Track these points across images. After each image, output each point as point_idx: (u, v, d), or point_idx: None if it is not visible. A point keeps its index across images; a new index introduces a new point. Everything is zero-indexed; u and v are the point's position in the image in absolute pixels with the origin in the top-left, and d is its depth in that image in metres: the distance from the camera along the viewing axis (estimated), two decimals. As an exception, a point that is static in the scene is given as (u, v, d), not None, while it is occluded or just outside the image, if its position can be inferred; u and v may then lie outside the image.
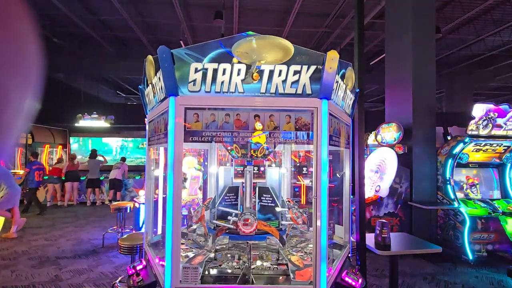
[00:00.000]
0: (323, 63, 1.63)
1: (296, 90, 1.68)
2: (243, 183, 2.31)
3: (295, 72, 1.66)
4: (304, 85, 1.67)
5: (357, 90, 2.49)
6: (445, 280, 3.93)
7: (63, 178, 8.85)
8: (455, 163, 4.72)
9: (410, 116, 5.06)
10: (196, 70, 1.64)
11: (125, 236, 3.35)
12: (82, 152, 10.89)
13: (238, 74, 1.65)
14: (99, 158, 9.20)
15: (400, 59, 5.48)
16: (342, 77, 1.97)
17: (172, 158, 1.66)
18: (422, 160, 4.95)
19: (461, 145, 4.62)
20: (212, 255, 2.07)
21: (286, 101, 1.69)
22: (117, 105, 11.11)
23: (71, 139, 11.11)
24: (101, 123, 10.72)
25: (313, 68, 1.65)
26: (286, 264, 1.92)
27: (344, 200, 2.59)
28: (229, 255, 2.10)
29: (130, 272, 2.06)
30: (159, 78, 1.78)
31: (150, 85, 2.16)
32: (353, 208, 2.89)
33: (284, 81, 1.67)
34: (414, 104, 5.05)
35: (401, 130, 5.01)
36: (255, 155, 2.41)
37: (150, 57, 1.98)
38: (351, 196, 2.64)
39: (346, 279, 1.94)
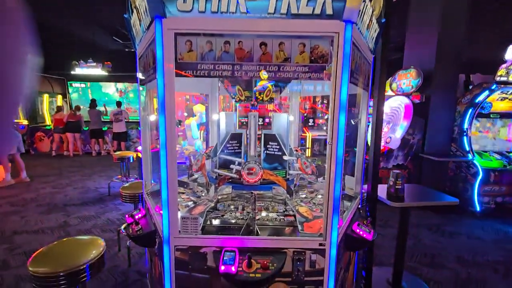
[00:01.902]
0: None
1: (314, 9, 1.32)
2: (247, 129, 2.07)
3: (314, -16, 1.28)
4: (324, 2, 1.30)
5: (383, 20, 2.08)
6: (450, 230, 3.92)
7: (63, 130, 8.75)
8: (476, 113, 4.38)
9: (433, 60, 4.56)
10: (186, -19, 1.28)
11: (127, 184, 3.27)
12: (82, 102, 10.63)
13: (240, -14, 1.28)
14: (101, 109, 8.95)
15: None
16: (370, -3, 1.57)
17: (162, 95, 1.40)
18: (440, 110, 4.60)
19: (486, 93, 4.23)
20: (213, 205, 1.93)
21: (301, 24, 1.34)
22: (114, 52, 10.46)
23: (70, 89, 10.77)
24: (99, 71, 10.23)
25: (337, -22, 1.26)
26: (294, 215, 1.78)
27: (358, 150, 2.36)
28: (232, 206, 1.97)
29: (129, 220, 1.95)
30: (142, -4, 1.42)
31: (134, 9, 1.79)
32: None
33: (299, -3, 1.30)
34: (439, 47, 4.51)
35: (420, 76, 4.57)
36: (261, 98, 2.13)
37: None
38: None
39: (357, 230, 1.81)
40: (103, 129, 9.14)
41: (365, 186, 2.57)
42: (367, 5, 1.52)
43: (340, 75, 1.38)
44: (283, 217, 1.78)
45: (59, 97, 10.55)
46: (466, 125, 4.45)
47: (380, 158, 2.50)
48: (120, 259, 3.05)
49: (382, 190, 2.51)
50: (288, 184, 1.96)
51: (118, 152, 5.54)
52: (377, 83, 2.21)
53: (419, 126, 4.76)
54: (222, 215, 1.80)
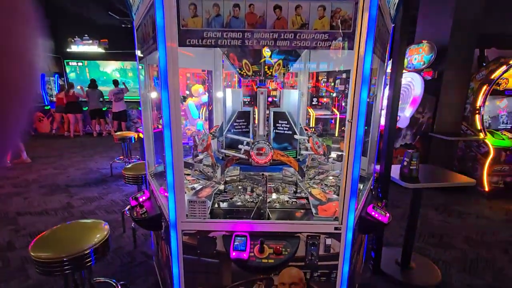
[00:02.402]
0: None
1: (337, -35, 1.13)
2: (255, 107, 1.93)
3: None
4: (350, -45, 1.12)
5: (406, -15, 1.87)
6: (458, 210, 3.87)
7: (64, 111, 8.59)
8: (490, 90, 4.19)
9: (448, 34, 4.30)
10: None
11: (129, 165, 3.18)
12: (80, 81, 10.36)
13: None
14: (117, 87, 8.62)
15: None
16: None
17: (164, 67, 1.25)
18: (453, 87, 4.40)
19: (503, 68, 4.01)
20: (221, 187, 1.84)
21: (321, -17, 1.17)
22: (111, 28, 10.03)
23: (67, 68, 10.46)
24: (95, 48, 9.88)
25: None
26: (307, 198, 1.68)
27: (372, 128, 2.23)
28: (240, 187, 1.87)
29: (133, 203, 1.87)
30: (138, -48, 1.23)
31: (129, -28, 1.59)
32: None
33: (320, -51, 1.11)
34: (455, 18, 4.23)
35: (433, 51, 4.33)
36: (270, 73, 1.97)
37: None
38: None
39: (373, 213, 1.72)
40: (103, 109, 8.97)
41: (377, 167, 2.47)
42: (394, -38, 1.33)
43: (364, 43, 1.23)
44: (295, 200, 1.69)
45: (56, 76, 10.27)
46: (479, 103, 4.28)
47: (394, 135, 2.38)
48: (126, 241, 3.02)
49: (394, 171, 2.41)
50: (299, 164, 1.85)
51: (119, 133, 5.42)
52: (396, 54, 2.04)
53: (430, 104, 4.58)
54: (231, 198, 1.71)
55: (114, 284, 2.02)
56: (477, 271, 2.60)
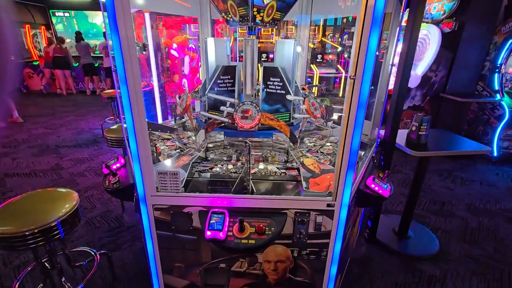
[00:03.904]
0: None
1: None
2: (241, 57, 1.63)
3: None
4: None
5: None
6: (462, 176, 3.70)
7: (51, 67, 8.12)
8: (516, 45, 3.72)
9: (475, -23, 3.69)
10: None
11: (114, 126, 2.95)
12: (69, 34, 9.68)
13: None
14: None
15: None
16: None
17: (111, 6, 0.94)
18: (473, 41, 3.91)
19: (535, 20, 3.50)
20: (202, 155, 1.62)
21: None
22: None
23: (54, 19, 9.70)
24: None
25: None
26: (298, 169, 1.47)
27: (380, 88, 1.93)
28: (224, 156, 1.65)
29: (105, 171, 1.68)
30: None
31: None
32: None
33: None
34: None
35: (457, -2, 3.76)
36: (260, 18, 1.61)
37: None
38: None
39: (373, 186, 1.52)
40: (95, 65, 8.49)
41: (382, 132, 2.22)
42: None
43: (379, -33, 0.89)
44: (284, 171, 1.48)
45: (42, 28, 9.57)
46: (500, 60, 3.84)
47: (404, 97, 2.09)
48: (114, 204, 2.92)
49: (400, 136, 2.16)
50: (291, 130, 1.60)
51: (107, 91, 5.11)
52: (414, 2, 1.65)
53: (445, 61, 4.13)
54: (211, 168, 1.50)
55: (93, 254, 1.93)
56: (477, 240, 2.50)
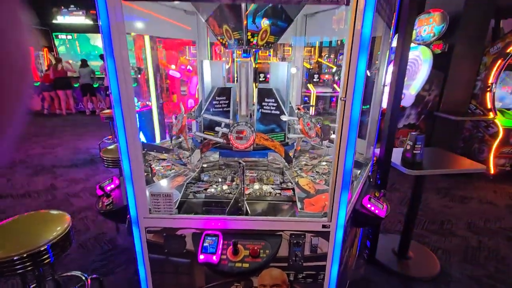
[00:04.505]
0: None
1: None
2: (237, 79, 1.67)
3: None
4: None
5: None
6: (460, 194, 3.68)
7: (53, 87, 8.26)
8: (505, 65, 3.84)
9: (461, 2, 3.87)
10: None
11: (110, 146, 2.96)
12: (71, 56, 9.92)
13: None
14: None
15: None
16: None
17: (106, 26, 0.98)
18: (464, 61, 4.04)
19: (521, 41, 3.64)
20: (197, 175, 1.61)
21: None
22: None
23: (56, 41, 9.97)
24: (84, 19, 9.34)
25: None
26: (293, 189, 1.46)
27: (373, 107, 1.97)
28: (219, 176, 1.65)
29: (99, 193, 1.66)
30: None
31: None
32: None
33: None
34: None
35: (445, 20, 3.92)
36: (255, 42, 1.67)
37: None
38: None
39: (369, 206, 1.51)
40: (94, 85, 8.62)
41: (377, 150, 2.23)
42: None
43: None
44: (279, 191, 1.47)
45: (45, 50, 9.80)
46: (491, 79, 3.94)
47: (397, 116, 2.12)
48: (108, 226, 2.86)
49: (395, 154, 2.17)
50: (286, 150, 1.61)
51: (106, 111, 5.15)
52: (404, 24, 1.73)
53: (437, 81, 4.24)
54: (206, 189, 1.49)
55: (84, 278, 1.87)
56: (478, 260, 2.44)
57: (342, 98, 1.05)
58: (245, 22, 1.50)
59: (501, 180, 4.05)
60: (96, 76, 8.81)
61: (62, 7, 8.95)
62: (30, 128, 6.87)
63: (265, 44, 1.74)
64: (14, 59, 0.28)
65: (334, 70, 7.78)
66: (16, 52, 0.28)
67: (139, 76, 2.52)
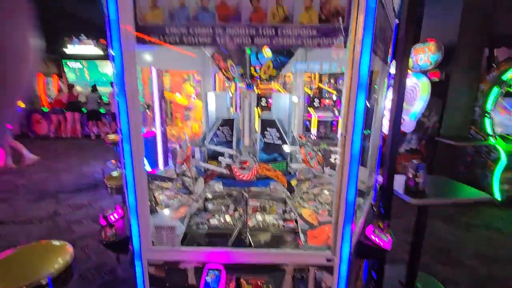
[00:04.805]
0: None
1: None
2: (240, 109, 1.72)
3: None
4: None
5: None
6: (467, 221, 3.61)
7: (64, 110, 8.50)
8: (503, 92, 3.92)
9: (456, 32, 4.04)
10: None
11: (115, 173, 2.99)
12: (80, 82, 10.26)
13: None
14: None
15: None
16: None
17: (120, 70, 1.04)
18: (461, 89, 4.14)
19: (516, 69, 3.75)
20: (201, 205, 1.62)
21: (307, -34, 0.95)
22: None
23: (66, 68, 10.36)
24: (93, 48, 9.76)
25: None
26: (295, 220, 1.46)
27: (373, 136, 2.01)
28: (222, 206, 1.66)
29: (102, 223, 1.66)
30: None
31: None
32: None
33: None
34: (463, 16, 3.98)
35: (440, 50, 4.07)
36: (258, 76, 1.75)
37: None
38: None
39: (372, 237, 1.49)
40: (101, 111, 8.84)
41: (379, 178, 2.24)
42: None
43: (360, 40, 1.00)
44: (282, 223, 1.47)
45: (55, 76, 10.17)
46: (489, 106, 4.01)
47: (398, 144, 2.15)
48: (109, 255, 2.81)
49: (398, 182, 2.17)
50: (288, 179, 1.63)
51: (111, 136, 5.24)
52: (400, 53, 1.81)
53: (436, 107, 4.32)
54: (208, 219, 1.49)
55: (82, 312, 1.82)
56: (490, 293, 2.36)
57: (342, 134, 1.08)
58: (251, 68, 1.58)
59: (508, 206, 3.98)
60: (104, 102, 9.06)
61: (73, 37, 9.39)
62: (36, 152, 6.94)
63: (267, 77, 1.82)
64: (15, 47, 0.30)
65: (334, 97, 7.88)
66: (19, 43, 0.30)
67: (147, 111, 2.61)
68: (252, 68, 1.69)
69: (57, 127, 8.87)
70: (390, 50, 1.79)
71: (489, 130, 4.04)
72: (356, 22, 0.99)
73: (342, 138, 1.09)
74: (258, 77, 1.77)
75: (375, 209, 2.01)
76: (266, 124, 1.78)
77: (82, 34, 9.42)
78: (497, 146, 3.96)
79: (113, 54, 1.04)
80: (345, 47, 1.03)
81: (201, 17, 1.02)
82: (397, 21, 1.77)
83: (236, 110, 3.69)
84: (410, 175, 2.11)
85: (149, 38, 1.04)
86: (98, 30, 9.69)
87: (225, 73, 1.88)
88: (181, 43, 1.04)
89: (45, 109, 9.16)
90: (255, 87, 1.84)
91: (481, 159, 4.22)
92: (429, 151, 4.47)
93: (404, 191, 2.08)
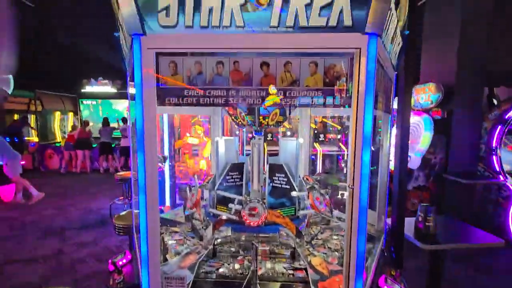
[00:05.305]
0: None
1: (328, 20, 1.05)
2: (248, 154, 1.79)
3: (327, -11, 1.01)
4: (342, 10, 1.03)
5: (407, 32, 1.79)
6: (485, 263, 3.44)
7: (73, 146, 8.75)
8: (506, 130, 3.96)
9: (453, 73, 4.21)
10: (169, -9, 1.04)
11: (123, 212, 3.01)
12: (93, 118, 10.67)
13: (235, -5, 1.03)
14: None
15: (446, 2, 4.46)
16: (396, 4, 1.29)
17: (141, 128, 1.13)
18: (464, 127, 4.20)
19: (517, 108, 3.82)
20: (210, 251, 1.63)
21: (312, 39, 1.07)
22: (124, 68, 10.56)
23: (81, 106, 10.86)
24: (109, 88, 10.30)
25: (357, -20, 1.00)
26: (305, 269, 1.45)
27: (380, 179, 2.03)
28: (231, 252, 1.66)
29: (111, 268, 1.67)
30: (121, 10, 1.19)
31: (120, 27, 1.57)
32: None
33: (308, 6, 1.04)
34: (459, 58, 4.17)
35: (440, 91, 4.21)
36: (265, 123, 1.85)
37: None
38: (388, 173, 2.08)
39: (385, 287, 1.46)
40: (112, 145, 9.07)
41: (388, 220, 2.22)
42: (392, 14, 1.25)
43: (363, 100, 1.09)
44: (292, 272, 1.46)
45: (70, 114, 10.63)
46: (494, 143, 4.02)
47: (406, 187, 2.16)
48: (112, 298, 2.74)
49: (408, 225, 2.14)
50: (297, 224, 1.64)
51: (120, 173, 5.34)
52: (402, 94, 1.90)
53: (441, 144, 4.36)
54: (218, 268, 1.49)
55: None
56: None
57: (350, 186, 1.13)
58: (261, 116, 1.69)
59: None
60: (115, 136, 9.32)
61: (92, 79, 9.98)
62: (46, 187, 7.06)
63: (275, 123, 1.91)
64: None
65: (339, 136, 7.99)
66: None
67: (163, 164, 2.71)
68: (261, 117, 1.79)
69: (68, 162, 9.06)
70: (392, 100, 1.89)
71: (497, 167, 4.01)
72: (358, 85, 1.09)
73: (350, 191, 1.13)
74: (267, 123, 1.87)
75: (386, 254, 1.98)
76: (274, 169, 1.84)
77: (101, 77, 10.02)
78: (508, 184, 3.90)
79: (136, 114, 1.14)
80: (348, 106, 1.12)
81: (217, 81, 1.13)
82: (395, 73, 1.89)
83: (241, 153, 3.77)
84: (420, 218, 2.09)
85: (169, 100, 1.15)
86: (114, 71, 10.31)
87: (234, 119, 1.99)
88: (197, 104, 1.14)
89: (58, 144, 9.46)
90: (263, 133, 1.93)
91: (491, 197, 4.13)
92: (438, 187, 4.41)
93: (415, 235, 2.05)
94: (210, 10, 1.05)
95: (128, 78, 1.98)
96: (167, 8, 1.06)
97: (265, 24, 1.07)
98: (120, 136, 8.75)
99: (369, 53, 1.07)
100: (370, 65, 1.09)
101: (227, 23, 1.07)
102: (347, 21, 1.04)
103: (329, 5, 1.03)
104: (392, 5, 1.19)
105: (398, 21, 1.42)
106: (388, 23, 1.23)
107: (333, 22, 1.05)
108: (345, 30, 1.06)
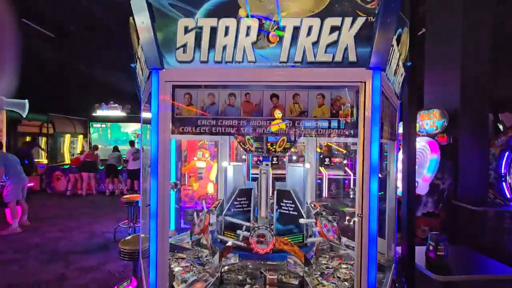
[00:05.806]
0: (377, 13, 1.05)
1: (334, 56, 1.12)
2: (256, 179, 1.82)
3: (333, 29, 1.10)
4: (346, 48, 1.11)
5: (409, 64, 1.87)
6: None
7: (78, 169, 8.87)
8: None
9: (457, 99, 4.26)
10: (187, 30, 1.13)
11: (128, 237, 2.99)
12: (102, 141, 10.89)
13: (248, 34, 1.12)
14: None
15: (446, 29, 4.61)
16: (398, 40, 1.37)
17: (155, 155, 1.18)
18: (471, 152, 4.17)
19: (524, 135, 3.82)
20: (217, 279, 1.60)
21: (319, 73, 1.14)
22: (133, 93, 10.93)
23: (91, 129, 11.13)
24: (118, 112, 10.61)
25: (360, 21, 1.08)
26: (315, 300, 1.42)
27: (388, 207, 2.02)
28: (238, 280, 1.63)
29: (117, 295, 1.65)
30: (142, 47, 1.29)
31: (138, 60, 1.68)
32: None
33: (315, 43, 1.11)
34: (462, 85, 4.24)
35: (445, 117, 4.25)
36: (273, 149, 1.89)
37: (132, 20, 1.48)
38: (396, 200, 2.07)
39: (398, 321, 1.41)
40: (118, 168, 9.16)
41: (398, 249, 2.17)
42: (394, 49, 1.32)
43: (369, 131, 1.13)
44: (301, 303, 1.42)
45: (80, 137, 10.88)
46: (503, 170, 3.98)
47: (415, 215, 2.14)
48: (114, 328, 2.66)
49: (419, 254, 2.09)
50: (305, 252, 1.62)
51: (126, 196, 5.37)
52: (406, 130, 1.94)
53: (449, 170, 4.31)
54: (225, 298, 1.47)
55: None
56: None
57: (359, 215, 1.14)
58: (268, 143, 1.74)
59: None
60: (123, 159, 9.46)
61: (103, 103, 10.32)
62: (51, 210, 7.08)
63: (282, 150, 1.95)
64: None
65: (345, 161, 7.98)
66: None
67: (175, 190, 2.75)
68: (269, 144, 1.84)
69: (74, 185, 9.13)
70: (397, 128, 1.93)
71: (507, 194, 3.93)
72: (364, 116, 1.14)
73: (359, 219, 1.14)
74: (274, 150, 1.91)
75: (397, 285, 1.92)
76: (282, 195, 1.85)
77: (111, 102, 10.36)
78: (521, 212, 3.80)
79: (151, 142, 1.19)
80: (356, 136, 1.16)
81: (228, 112, 1.20)
82: (400, 101, 1.95)
83: (247, 179, 3.77)
84: (431, 247, 2.05)
85: (182, 129, 1.20)
86: (124, 96, 10.67)
87: (242, 145, 2.04)
88: (210, 133, 1.20)
89: (67, 166, 9.59)
90: (271, 159, 1.97)
91: (504, 225, 4.01)
92: (449, 214, 4.31)
93: (426, 266, 2.00)
94: (224, 48, 1.14)
95: (142, 104, 2.07)
96: (184, 46, 1.15)
97: (275, 60, 1.14)
98: (128, 159, 8.88)
99: (374, 87, 1.13)
100: (376, 98, 1.14)
101: (240, 59, 1.15)
102: (352, 57, 1.11)
103: (335, 43, 1.10)
104: (394, 42, 1.27)
105: (400, 54, 1.50)
106: (391, 58, 1.30)
107: (338, 58, 1.12)
108: (350, 65, 1.12)
